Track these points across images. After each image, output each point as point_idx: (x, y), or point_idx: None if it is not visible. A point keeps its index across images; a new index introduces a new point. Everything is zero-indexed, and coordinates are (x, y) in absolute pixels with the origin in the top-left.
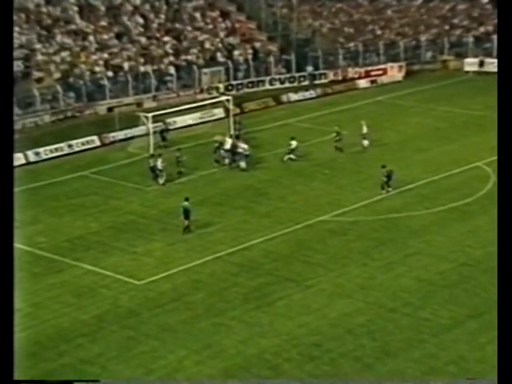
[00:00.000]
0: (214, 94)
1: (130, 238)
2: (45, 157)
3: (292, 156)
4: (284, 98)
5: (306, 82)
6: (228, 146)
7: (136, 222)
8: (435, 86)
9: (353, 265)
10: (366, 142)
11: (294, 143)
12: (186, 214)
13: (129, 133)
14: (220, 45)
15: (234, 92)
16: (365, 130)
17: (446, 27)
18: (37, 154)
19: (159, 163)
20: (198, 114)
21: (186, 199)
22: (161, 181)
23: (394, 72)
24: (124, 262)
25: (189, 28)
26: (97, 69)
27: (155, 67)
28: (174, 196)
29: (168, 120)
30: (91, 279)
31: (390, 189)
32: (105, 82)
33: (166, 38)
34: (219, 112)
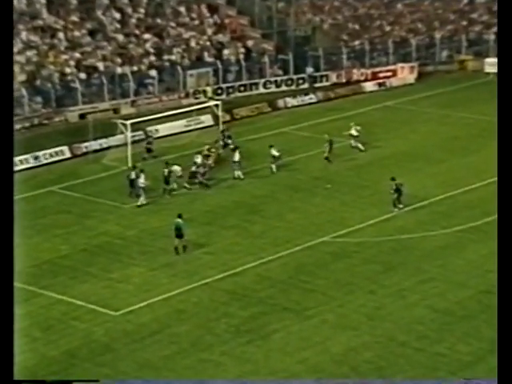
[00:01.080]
0: (201, 98)
1: (105, 263)
2: None
3: (273, 166)
4: (280, 103)
5: (306, 85)
6: (198, 162)
7: (112, 244)
8: (451, 89)
9: (358, 292)
10: (353, 142)
11: (274, 151)
12: (179, 232)
13: (104, 143)
14: (208, 43)
15: (223, 96)
16: (354, 132)
17: (464, 23)
18: None
19: (141, 180)
20: (182, 122)
21: (179, 216)
22: (142, 201)
23: (405, 74)
24: (98, 290)
25: (172, 24)
26: (67, 70)
27: (134, 68)
28: (156, 214)
29: (149, 128)
30: (61, 310)
31: (401, 205)
32: (76, 84)
33: (147, 36)
34: (207, 119)
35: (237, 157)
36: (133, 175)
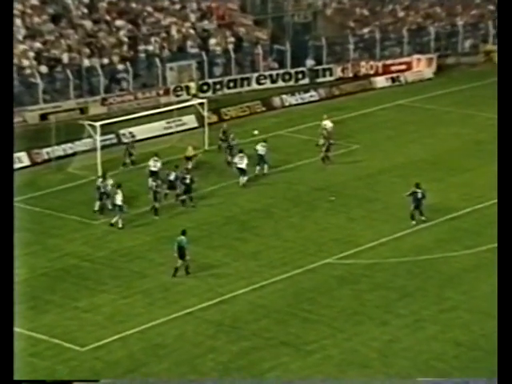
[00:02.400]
0: (184, 96)
1: (70, 289)
2: None
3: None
4: (276, 101)
5: (306, 81)
6: (172, 176)
7: (79, 267)
8: (476, 85)
9: (369, 323)
10: (322, 141)
11: (259, 147)
12: (181, 251)
13: (69, 148)
14: (191, 31)
15: (209, 94)
16: (328, 126)
17: (491, 7)
18: None
19: (119, 197)
20: (161, 123)
21: (183, 232)
22: (118, 223)
23: (422, 67)
24: (62, 322)
25: (149, 9)
26: (25, 63)
27: (104, 61)
28: (130, 232)
29: (122, 131)
30: (18, 345)
31: (423, 218)
32: (37, 80)
33: (119, 22)
34: (190, 120)
35: (245, 161)
36: (103, 187)
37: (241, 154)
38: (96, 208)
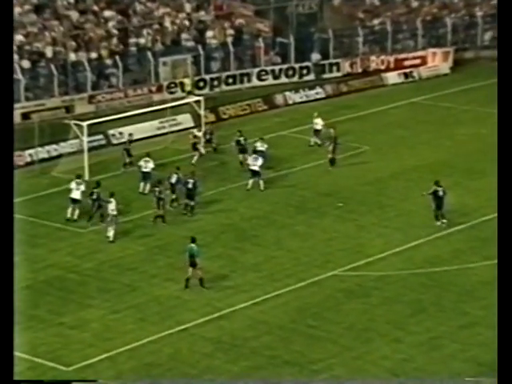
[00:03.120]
0: (178, 93)
1: (54, 304)
2: None
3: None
4: (279, 99)
5: (311, 77)
6: (173, 179)
7: (64, 279)
8: (496, 81)
9: (380, 341)
10: (313, 140)
11: (258, 144)
12: (193, 259)
13: (54, 150)
14: (186, 22)
15: (206, 91)
16: (318, 125)
17: None
18: None
19: (112, 206)
20: (154, 123)
21: (193, 240)
22: (111, 235)
23: (438, 61)
24: (46, 339)
25: None
26: None
27: (92, 55)
28: (120, 241)
29: (111, 131)
30: None
31: (444, 221)
32: (18, 75)
33: (108, 13)
34: (185, 119)
35: (259, 162)
36: (96, 194)
37: (255, 155)
38: (69, 215)
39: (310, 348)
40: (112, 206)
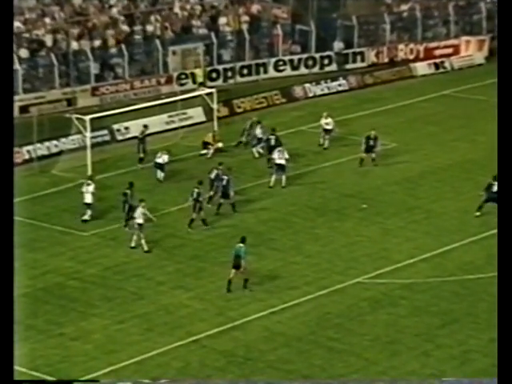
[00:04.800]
0: (189, 85)
1: (54, 313)
2: None
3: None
4: (298, 91)
5: (333, 67)
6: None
7: (65, 286)
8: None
9: (407, 354)
10: (326, 142)
11: (258, 130)
12: (238, 260)
13: (54, 146)
14: (198, 8)
15: (219, 82)
16: (329, 125)
17: None
18: None
19: (139, 211)
20: (163, 117)
21: (242, 240)
22: (138, 241)
23: (472, 50)
24: (45, 351)
25: None
26: None
27: (96, 43)
28: (125, 245)
29: (116, 126)
30: None
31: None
32: (16, 66)
33: None
34: (197, 113)
35: (285, 156)
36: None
37: (280, 148)
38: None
39: (330, 362)
40: (139, 211)
